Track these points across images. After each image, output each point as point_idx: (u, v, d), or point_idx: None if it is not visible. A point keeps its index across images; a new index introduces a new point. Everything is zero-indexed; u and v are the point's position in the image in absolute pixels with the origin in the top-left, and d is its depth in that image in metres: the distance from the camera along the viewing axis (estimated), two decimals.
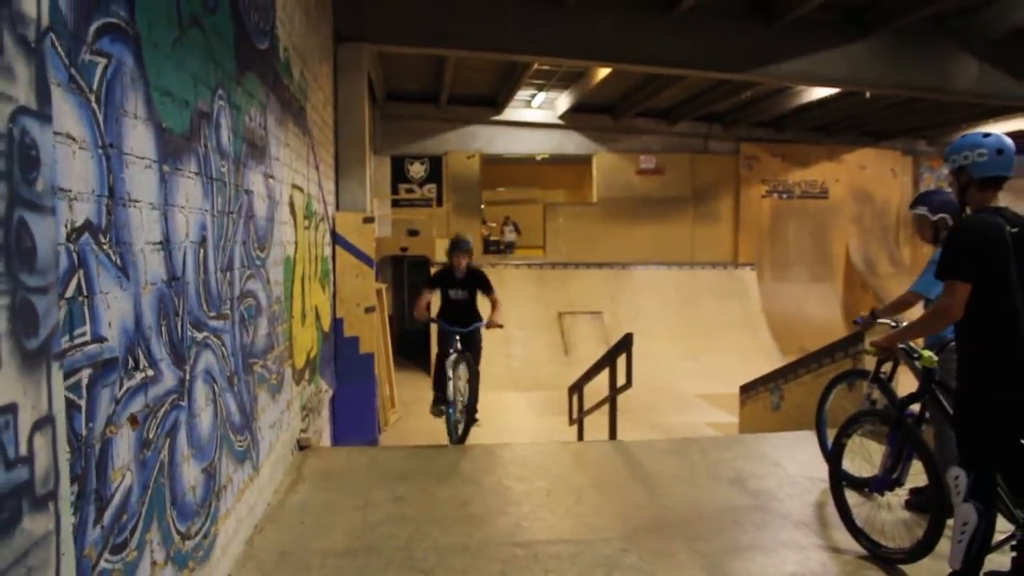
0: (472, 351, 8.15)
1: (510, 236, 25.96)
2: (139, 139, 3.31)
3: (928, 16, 13.46)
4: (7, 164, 1.51)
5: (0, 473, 1.48)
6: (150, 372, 3.36)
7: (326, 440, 9.71)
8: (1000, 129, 21.97)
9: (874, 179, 26.56)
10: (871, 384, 5.55)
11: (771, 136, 25.40)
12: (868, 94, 17.72)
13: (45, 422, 1.69)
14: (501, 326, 8.13)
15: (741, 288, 23.69)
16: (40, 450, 1.66)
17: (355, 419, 10.73)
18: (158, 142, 3.56)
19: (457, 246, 8.23)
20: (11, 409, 1.52)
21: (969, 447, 3.96)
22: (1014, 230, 3.88)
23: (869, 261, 25.91)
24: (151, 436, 3.37)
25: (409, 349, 20.38)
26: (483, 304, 8.28)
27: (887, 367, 5.48)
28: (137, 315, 3.22)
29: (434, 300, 8.57)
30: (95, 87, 2.85)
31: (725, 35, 13.68)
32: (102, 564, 2.78)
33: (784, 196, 25.81)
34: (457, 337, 8.13)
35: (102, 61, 2.92)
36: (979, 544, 3.80)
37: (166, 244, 3.64)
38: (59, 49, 2.45)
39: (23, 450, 1.57)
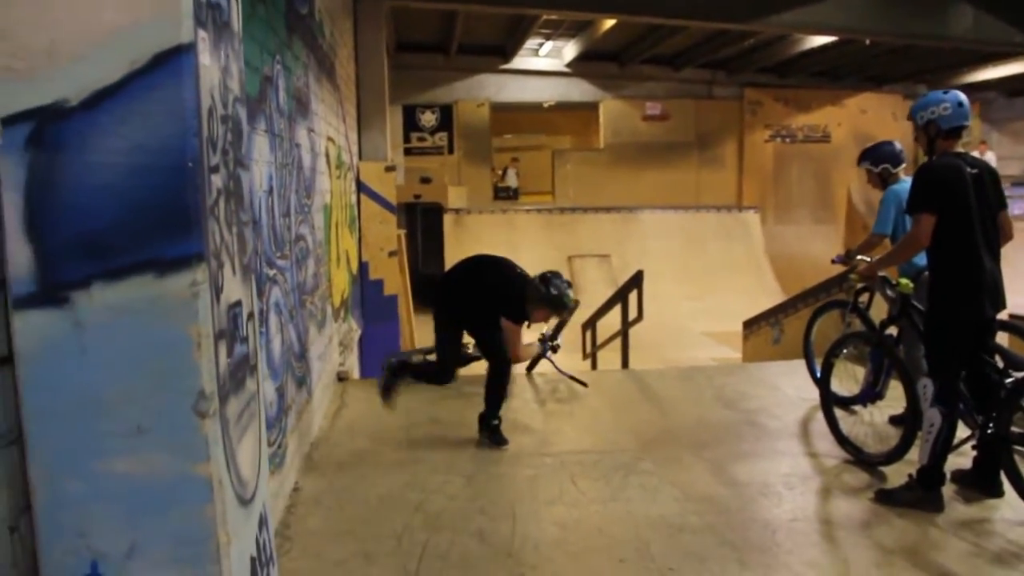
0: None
1: (513, 182, 26.45)
2: None
3: None
4: (233, 136, 2.16)
5: (238, 346, 2.15)
6: None
7: (356, 376, 10.38)
8: (997, 73, 22.42)
9: (875, 123, 26.85)
10: (851, 313, 6.19)
11: (774, 82, 25.74)
12: (868, 41, 18.12)
13: (251, 316, 2.36)
14: None
15: (745, 231, 24.17)
16: (250, 334, 2.32)
17: (381, 357, 11.36)
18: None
19: (563, 303, 6.00)
20: (239, 304, 2.18)
21: (935, 359, 4.62)
22: (973, 171, 4.53)
23: (870, 203, 26.31)
24: None
25: (423, 293, 20.99)
26: None
27: (864, 298, 6.12)
28: None
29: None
30: None
31: None
32: None
33: (787, 140, 26.25)
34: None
35: None
36: (943, 442, 4.47)
37: (249, 193, 4.27)
38: None
39: (244, 332, 2.23)
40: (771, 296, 20.59)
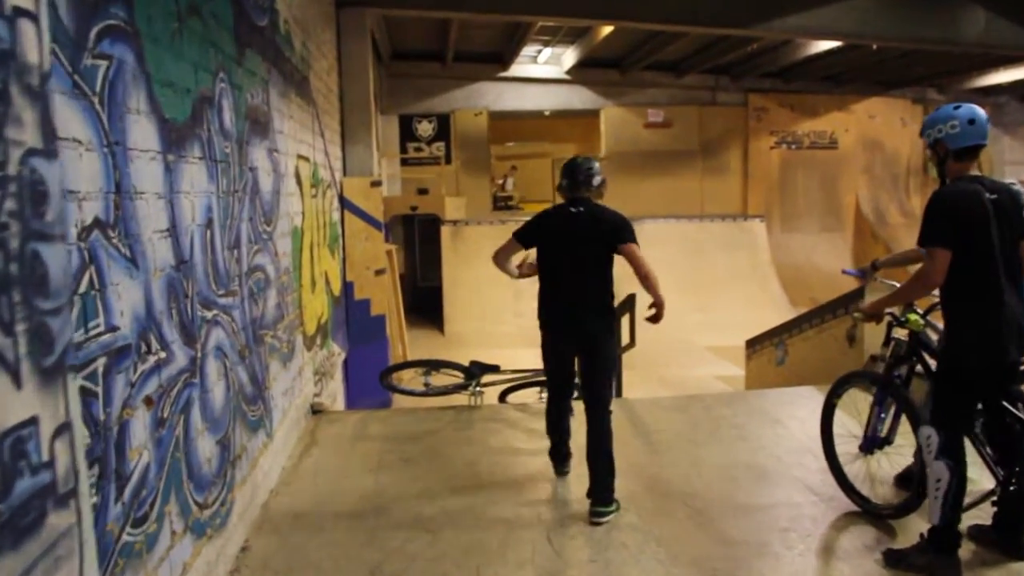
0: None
1: (511, 190, 26.04)
2: (142, 133, 3.43)
3: None
4: (18, 204, 1.67)
5: (27, 479, 1.67)
6: (162, 354, 3.53)
7: (340, 403, 9.93)
8: (1009, 77, 21.89)
9: (884, 128, 26.40)
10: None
11: (779, 87, 25.22)
12: (875, 46, 17.63)
13: (63, 428, 1.88)
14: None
15: (750, 239, 23.63)
16: (60, 454, 1.84)
17: (368, 381, 10.89)
18: (161, 133, 3.69)
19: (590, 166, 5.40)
20: (33, 422, 1.70)
21: (943, 407, 4.11)
22: (993, 197, 3.99)
23: (879, 211, 25.86)
24: (165, 415, 3.55)
25: (422, 307, 20.61)
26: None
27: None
28: (148, 301, 3.38)
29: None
30: (98, 89, 2.96)
31: None
32: (124, 537, 2.98)
33: (793, 147, 25.72)
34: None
35: (103, 63, 3.03)
36: (953, 498, 3.97)
37: (173, 230, 3.79)
38: (62, 59, 2.58)
39: (45, 456, 1.75)
40: (777, 306, 20.15)
